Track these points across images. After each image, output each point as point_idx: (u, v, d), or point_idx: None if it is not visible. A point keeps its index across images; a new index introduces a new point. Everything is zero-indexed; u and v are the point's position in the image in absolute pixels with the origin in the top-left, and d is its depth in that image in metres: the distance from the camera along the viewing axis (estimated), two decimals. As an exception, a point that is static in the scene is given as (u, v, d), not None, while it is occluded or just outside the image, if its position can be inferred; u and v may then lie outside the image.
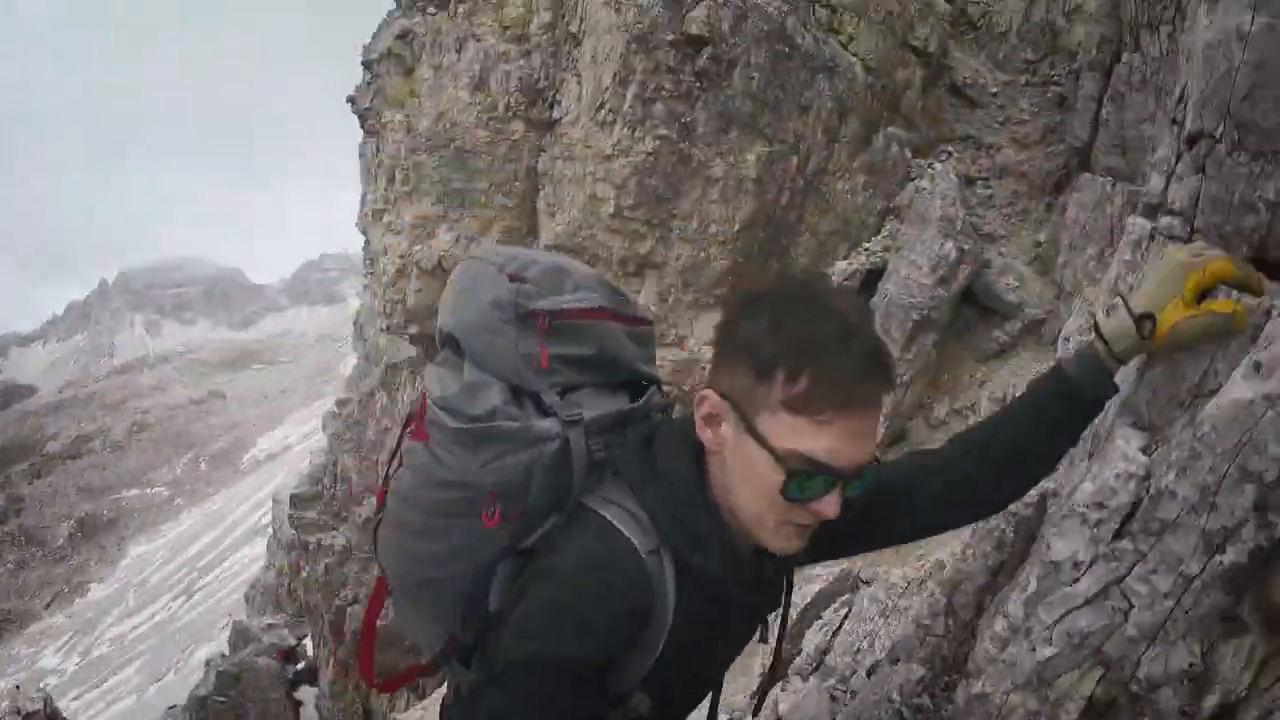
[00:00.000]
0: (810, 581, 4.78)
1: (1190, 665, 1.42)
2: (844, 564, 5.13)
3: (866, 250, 11.50)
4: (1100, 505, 1.45)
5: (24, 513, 70.29)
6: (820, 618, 4.25)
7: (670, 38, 10.48)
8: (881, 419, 1.47)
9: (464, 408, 1.52)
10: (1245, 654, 1.40)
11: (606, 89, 10.80)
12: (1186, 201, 1.59)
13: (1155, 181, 1.73)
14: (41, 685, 48.56)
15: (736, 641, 1.71)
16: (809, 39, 11.01)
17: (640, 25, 10.47)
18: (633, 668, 1.45)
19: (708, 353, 8.07)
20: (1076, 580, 1.51)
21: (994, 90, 13.46)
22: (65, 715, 42.75)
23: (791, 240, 11.38)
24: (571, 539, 1.45)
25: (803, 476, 1.33)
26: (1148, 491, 1.43)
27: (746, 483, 1.39)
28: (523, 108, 11.74)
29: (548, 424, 1.49)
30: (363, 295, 25.34)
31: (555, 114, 11.63)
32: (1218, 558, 1.32)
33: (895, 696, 2.20)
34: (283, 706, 19.34)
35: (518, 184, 11.95)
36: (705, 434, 1.43)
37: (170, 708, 20.94)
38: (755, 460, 1.36)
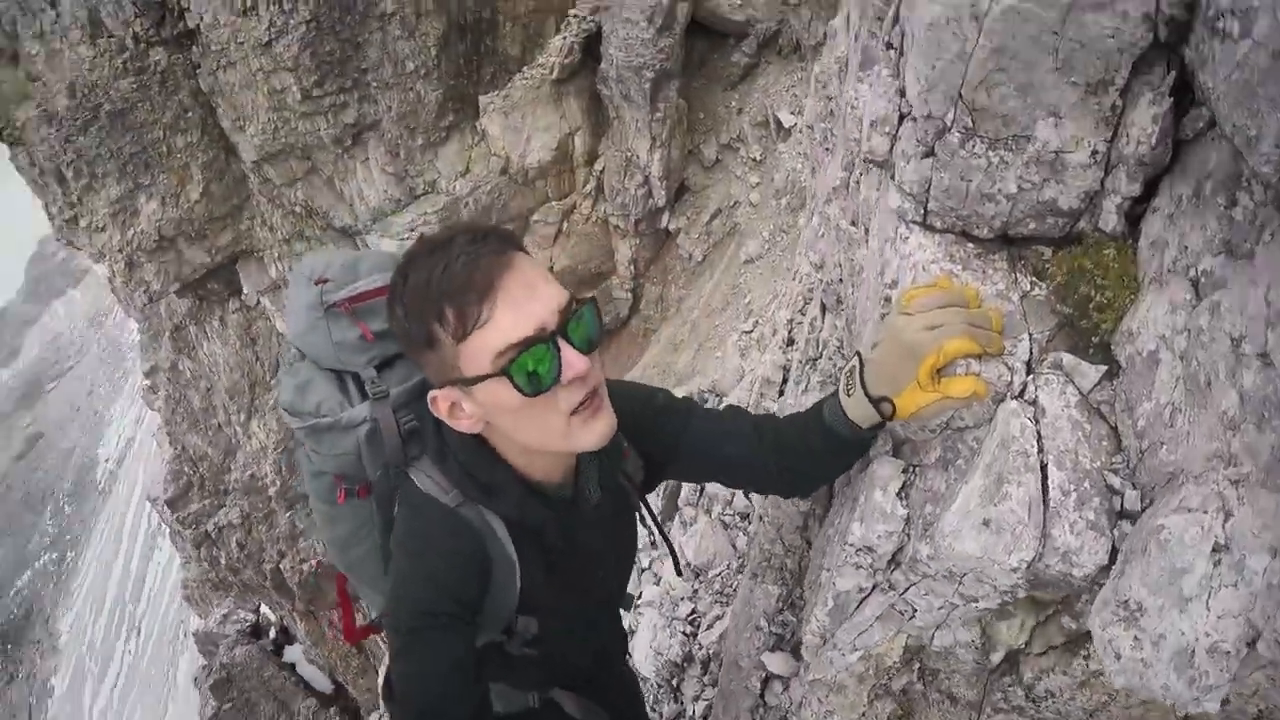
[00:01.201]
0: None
1: (971, 641, 1.52)
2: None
3: (575, 18, 10.98)
4: (869, 549, 1.48)
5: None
6: None
7: None
8: (531, 266, 1.38)
9: (299, 407, 1.70)
10: (1018, 628, 1.49)
11: None
12: (918, 186, 1.49)
13: (877, 141, 1.59)
14: None
15: (608, 559, 1.80)
16: None
17: None
18: (502, 600, 1.57)
19: (463, 187, 7.95)
20: (862, 605, 1.57)
21: None
22: None
23: (495, 37, 10.78)
24: (400, 509, 1.62)
25: (518, 367, 1.34)
26: (908, 536, 1.45)
27: (511, 420, 1.44)
28: (152, 32, 10.37)
29: (359, 409, 1.63)
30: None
31: (189, 22, 10.32)
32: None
33: (762, 623, 2.37)
34: (281, 678, 19.62)
35: (190, 114, 10.79)
36: (461, 424, 1.47)
37: None
38: (495, 397, 1.39)
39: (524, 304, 1.34)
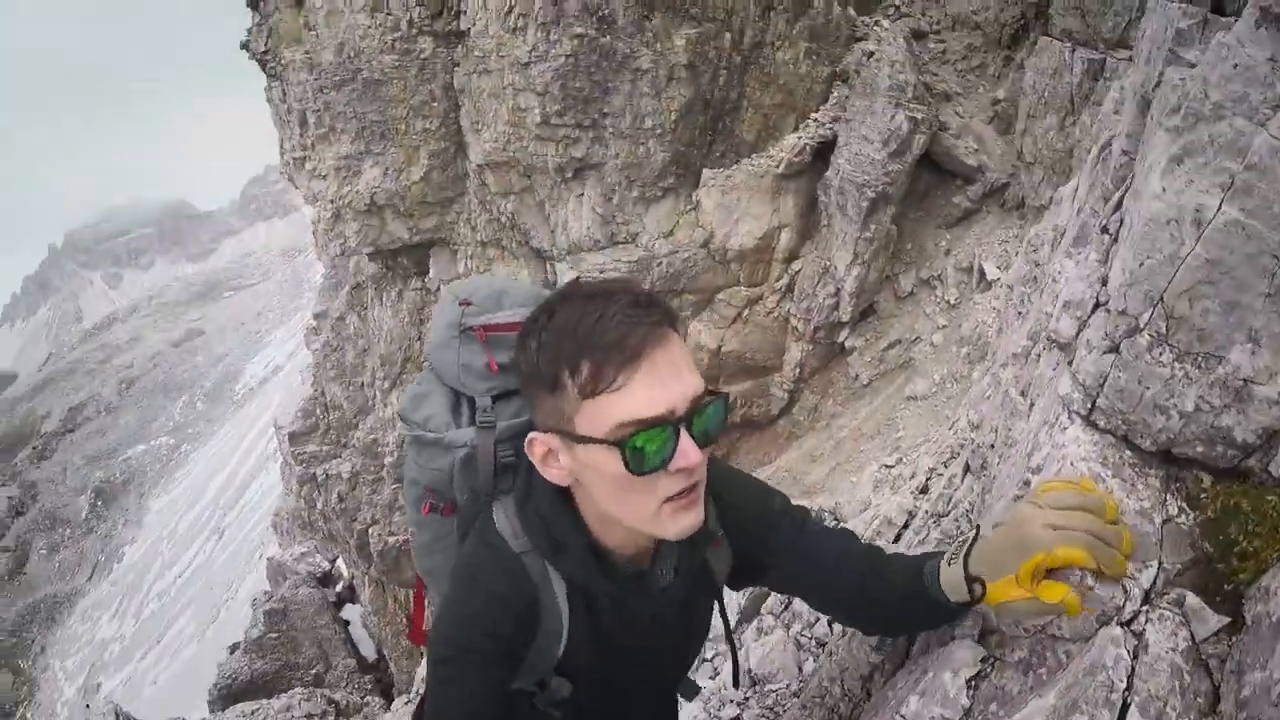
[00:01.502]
0: None
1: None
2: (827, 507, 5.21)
3: (815, 121, 11.04)
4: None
5: (40, 497, 70.91)
6: None
7: None
8: (686, 352, 1.38)
9: (409, 414, 1.83)
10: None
11: None
12: (1092, 379, 1.42)
13: (1066, 323, 1.53)
14: (104, 655, 50.60)
15: (665, 643, 1.78)
16: None
17: None
18: (545, 654, 1.56)
19: (662, 247, 7.99)
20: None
21: None
22: (135, 678, 44.86)
23: (735, 119, 10.86)
24: (470, 538, 1.67)
25: (633, 443, 1.33)
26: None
27: (604, 488, 1.42)
28: (427, 22, 10.96)
29: (463, 433, 1.72)
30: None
31: (463, 24, 10.84)
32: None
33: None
34: (332, 629, 20.02)
35: (436, 104, 11.31)
36: (551, 473, 1.48)
37: (231, 648, 21.74)
38: (596, 462, 1.38)
39: (664, 383, 1.33)
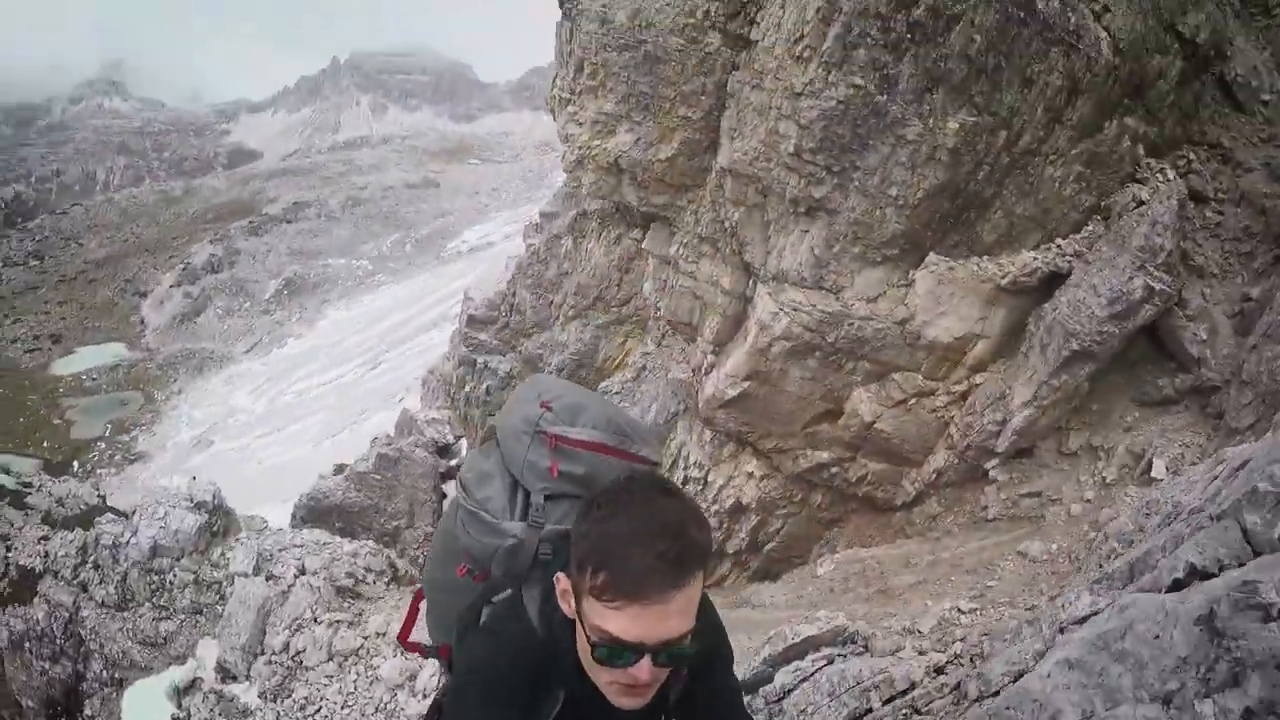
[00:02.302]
0: (808, 623, 5.08)
1: None
2: (839, 618, 5.33)
3: (1058, 249, 10.59)
4: None
5: (237, 265, 76.66)
6: (801, 659, 4.56)
7: None
8: (693, 597, 1.66)
9: (471, 490, 2.10)
10: None
11: (809, 22, 9.92)
12: None
13: None
14: (229, 419, 54.75)
15: None
16: (1053, 4, 9.64)
17: None
18: (541, 716, 1.86)
19: (860, 309, 8.03)
20: None
21: (1267, 98, 11.46)
22: (244, 451, 48.27)
23: (981, 216, 10.51)
24: (498, 607, 2.00)
25: (603, 647, 1.66)
26: None
27: (582, 648, 1.75)
28: (722, 20, 11.12)
29: (514, 526, 2.00)
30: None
31: (754, 34, 10.93)
32: None
33: None
34: (429, 496, 20.90)
35: (704, 98, 11.56)
36: (564, 606, 1.80)
37: (337, 466, 23.04)
38: (582, 631, 1.72)
39: (648, 625, 1.61)
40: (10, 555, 7.53)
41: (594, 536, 1.66)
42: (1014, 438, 10.53)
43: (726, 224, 11.91)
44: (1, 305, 76.08)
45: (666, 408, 15.21)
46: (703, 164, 12.20)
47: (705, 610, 1.96)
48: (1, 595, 7.28)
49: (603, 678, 1.73)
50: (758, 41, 10.84)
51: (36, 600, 7.48)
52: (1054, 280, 10.52)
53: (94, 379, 64.63)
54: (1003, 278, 10.53)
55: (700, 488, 13.58)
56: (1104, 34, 9.94)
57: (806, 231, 10.95)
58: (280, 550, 10.85)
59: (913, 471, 11.63)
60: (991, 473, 10.91)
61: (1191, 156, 11.08)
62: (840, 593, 10.22)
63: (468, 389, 22.86)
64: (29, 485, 8.57)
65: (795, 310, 11.06)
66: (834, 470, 12.15)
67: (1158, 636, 1.92)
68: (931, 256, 10.65)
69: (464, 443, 22.65)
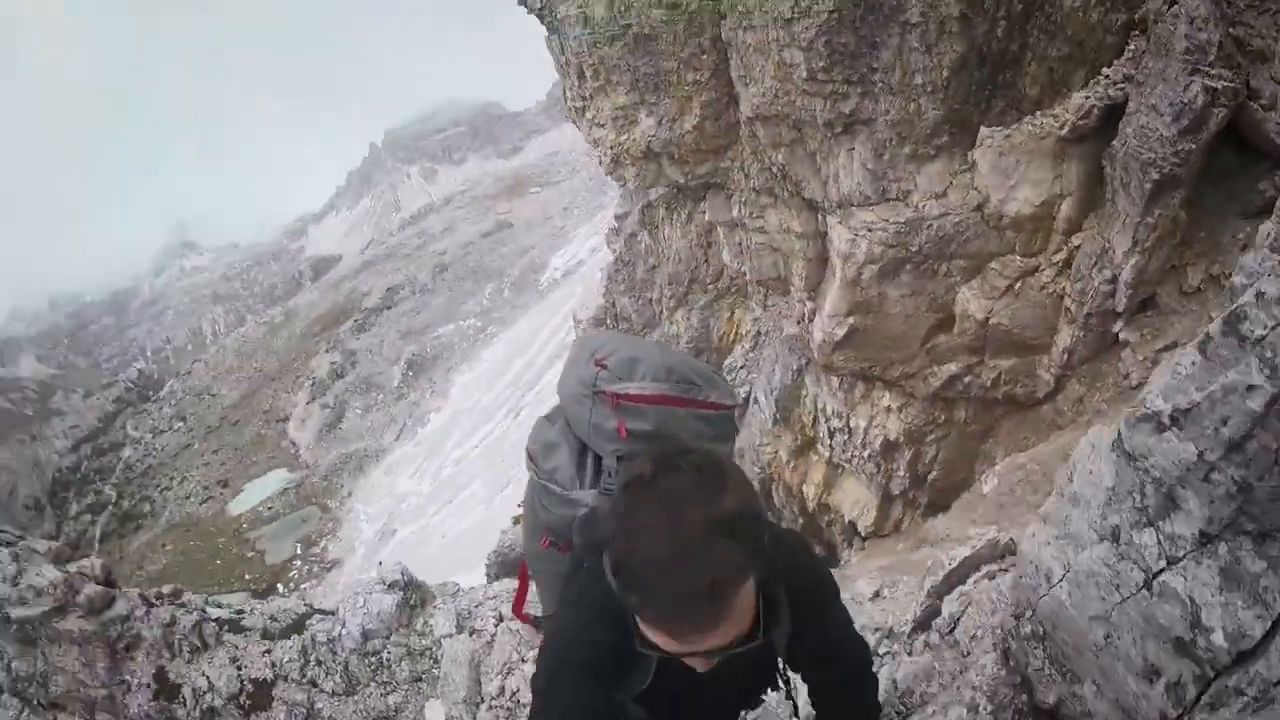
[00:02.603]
0: (961, 544, 4.78)
1: None
2: (993, 531, 4.95)
3: (1106, 79, 9.62)
4: None
5: (359, 364, 79.74)
6: (964, 584, 4.26)
7: None
8: (742, 606, 1.51)
9: (540, 462, 2.04)
10: None
11: None
12: None
13: None
14: (402, 506, 57.03)
15: (723, 695, 2.08)
16: None
17: None
18: (628, 684, 1.80)
19: (933, 208, 7.55)
20: None
21: None
22: (425, 530, 50.21)
23: (1017, 73, 9.74)
24: (584, 572, 1.87)
25: (652, 653, 1.57)
26: None
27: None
28: None
29: (585, 494, 1.95)
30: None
31: (727, -23, 10.63)
32: None
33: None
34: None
35: (705, 56, 11.30)
36: None
37: (515, 518, 23.59)
38: None
39: (691, 643, 1.51)
40: (242, 673, 8.37)
41: (621, 550, 1.51)
42: (1129, 291, 9.62)
43: (774, 169, 11.61)
44: (166, 470, 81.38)
45: (789, 365, 14.90)
46: (729, 120, 11.96)
47: (793, 554, 1.96)
48: (244, 708, 8.07)
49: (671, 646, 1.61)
50: (733, -17, 10.52)
51: (275, 704, 8.25)
52: (1114, 114, 9.54)
53: (269, 508, 68.34)
54: (1061, 128, 9.72)
55: (846, 435, 13.22)
56: None
57: (852, 149, 10.53)
58: (476, 606, 11.27)
59: (1043, 357, 10.90)
60: (1121, 335, 10.02)
61: None
62: (1010, 505, 9.64)
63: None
64: (242, 612, 9.35)
65: (869, 230, 10.60)
66: (966, 380, 11.56)
67: (1091, 472, 1.75)
68: (983, 131, 10.01)
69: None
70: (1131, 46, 9.54)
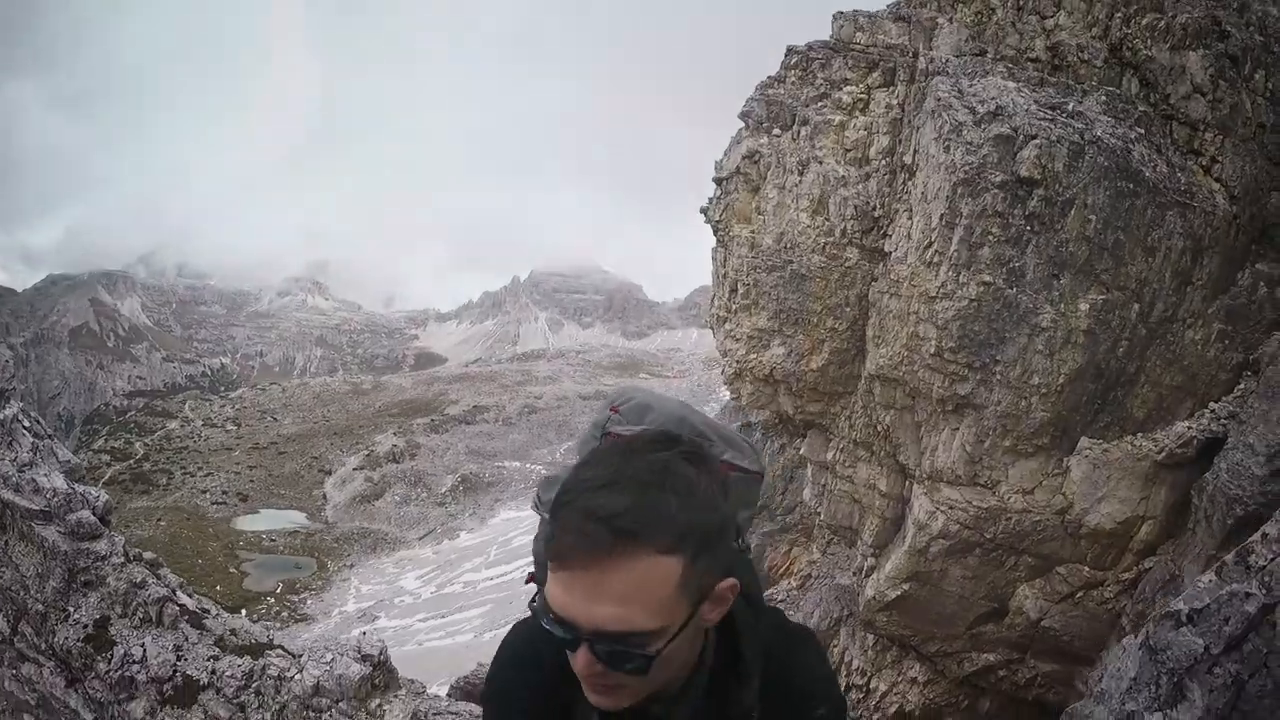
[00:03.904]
0: None
1: None
2: None
3: (1211, 413, 10.22)
4: None
5: (418, 458, 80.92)
6: None
7: (999, 179, 9.92)
8: (641, 582, 1.35)
9: (541, 495, 2.05)
10: None
11: (934, 229, 10.52)
12: None
13: None
14: (395, 599, 56.33)
15: None
16: (1160, 167, 9.84)
17: (968, 166, 9.98)
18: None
19: (1017, 502, 8.15)
20: None
21: None
22: (406, 631, 49.19)
23: (1128, 392, 10.38)
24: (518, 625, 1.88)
25: (541, 616, 1.44)
26: None
27: None
28: (858, 235, 12.00)
29: None
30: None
31: (887, 246, 11.66)
32: None
33: None
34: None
35: (848, 309, 12.26)
36: None
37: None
38: None
39: (576, 599, 1.37)
40: (179, 664, 8.41)
41: (561, 486, 1.45)
42: None
43: (879, 427, 12.22)
44: (198, 459, 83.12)
45: (830, 613, 15.17)
46: (852, 371, 12.72)
47: (790, 639, 1.83)
48: (164, 695, 8.12)
49: (572, 663, 1.47)
50: (891, 253, 11.52)
51: (195, 709, 8.19)
52: (1212, 447, 10.02)
53: (273, 540, 68.63)
54: (1159, 453, 10.22)
55: (862, 695, 13.30)
56: (1216, 185, 10.03)
57: (956, 429, 11.10)
58: (435, 714, 11.16)
59: (1085, 670, 11.07)
60: None
61: None
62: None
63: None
64: (208, 611, 9.48)
65: (951, 508, 11.08)
66: (1001, 673, 11.76)
67: (1119, 669, 2.14)
68: (1083, 441, 10.52)
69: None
70: (1241, 385, 10.15)
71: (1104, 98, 10.42)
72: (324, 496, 78.17)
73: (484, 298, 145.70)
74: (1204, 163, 10.13)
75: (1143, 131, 10.12)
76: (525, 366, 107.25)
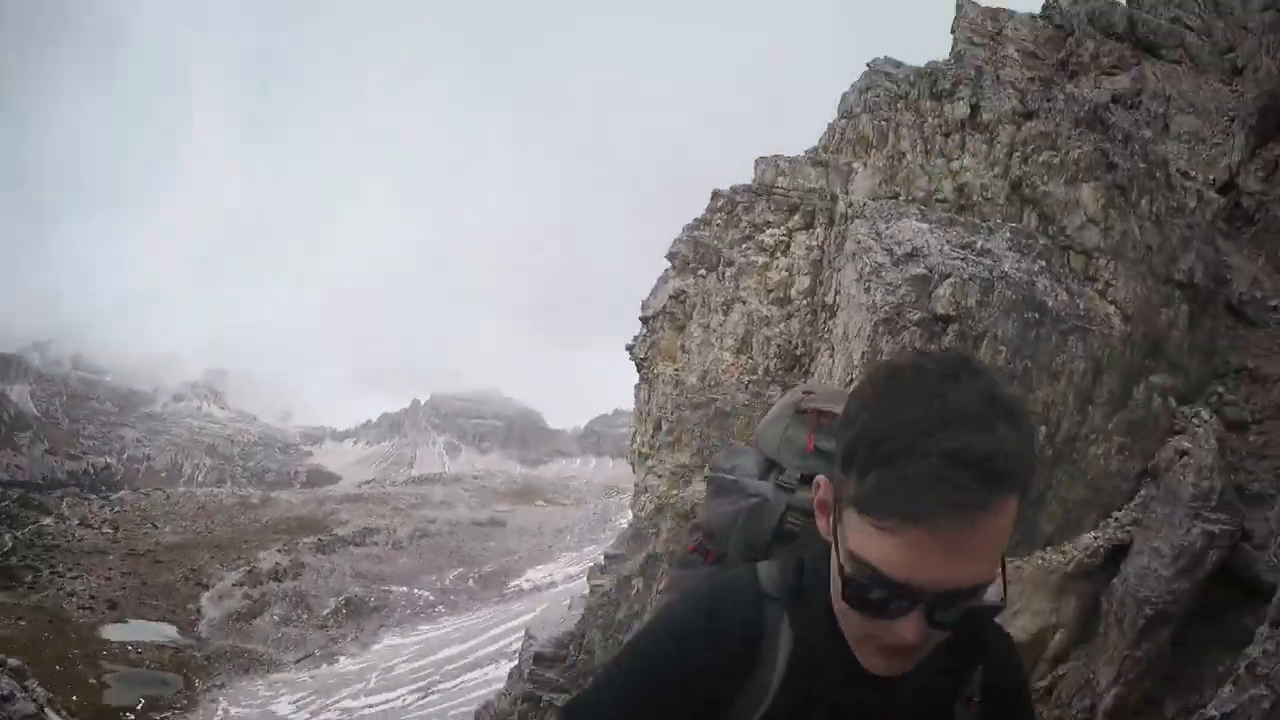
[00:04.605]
0: None
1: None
2: None
3: (1116, 521, 10.69)
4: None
5: (302, 577, 78.31)
6: None
7: (917, 316, 10.22)
8: (1000, 531, 1.16)
9: (720, 463, 1.91)
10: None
11: (855, 366, 10.63)
12: None
13: None
14: None
15: None
16: (1060, 296, 10.55)
17: (888, 305, 10.21)
18: (739, 708, 1.41)
19: None
20: None
21: (1274, 303, 11.65)
22: None
23: (1038, 512, 10.64)
24: (720, 572, 1.67)
25: (860, 584, 1.21)
26: None
27: (834, 583, 1.30)
28: (780, 373, 12.56)
29: (759, 484, 1.73)
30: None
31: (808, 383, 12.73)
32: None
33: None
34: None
35: (768, 452, 13.37)
36: (820, 523, 1.37)
37: None
38: (836, 559, 1.28)
39: (926, 561, 1.14)
40: None
41: (865, 421, 1.20)
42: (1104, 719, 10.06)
43: (806, 553, 13.25)
44: (69, 559, 78.64)
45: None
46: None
47: (1009, 656, 1.61)
48: None
49: (855, 628, 1.30)
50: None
51: None
52: (1118, 553, 10.44)
53: (139, 652, 64.82)
54: (1068, 565, 10.55)
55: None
56: (1111, 308, 10.83)
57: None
58: None
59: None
60: None
61: (1220, 390, 11.34)
62: None
63: (533, 726, 22.99)
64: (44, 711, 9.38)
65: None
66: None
67: None
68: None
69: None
70: (1143, 492, 10.64)
71: (1008, 234, 11.39)
72: (199, 611, 74.74)
73: (383, 418, 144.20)
74: (1099, 287, 10.98)
75: (1044, 263, 10.94)
76: (420, 490, 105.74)
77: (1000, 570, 1.24)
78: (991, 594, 1.25)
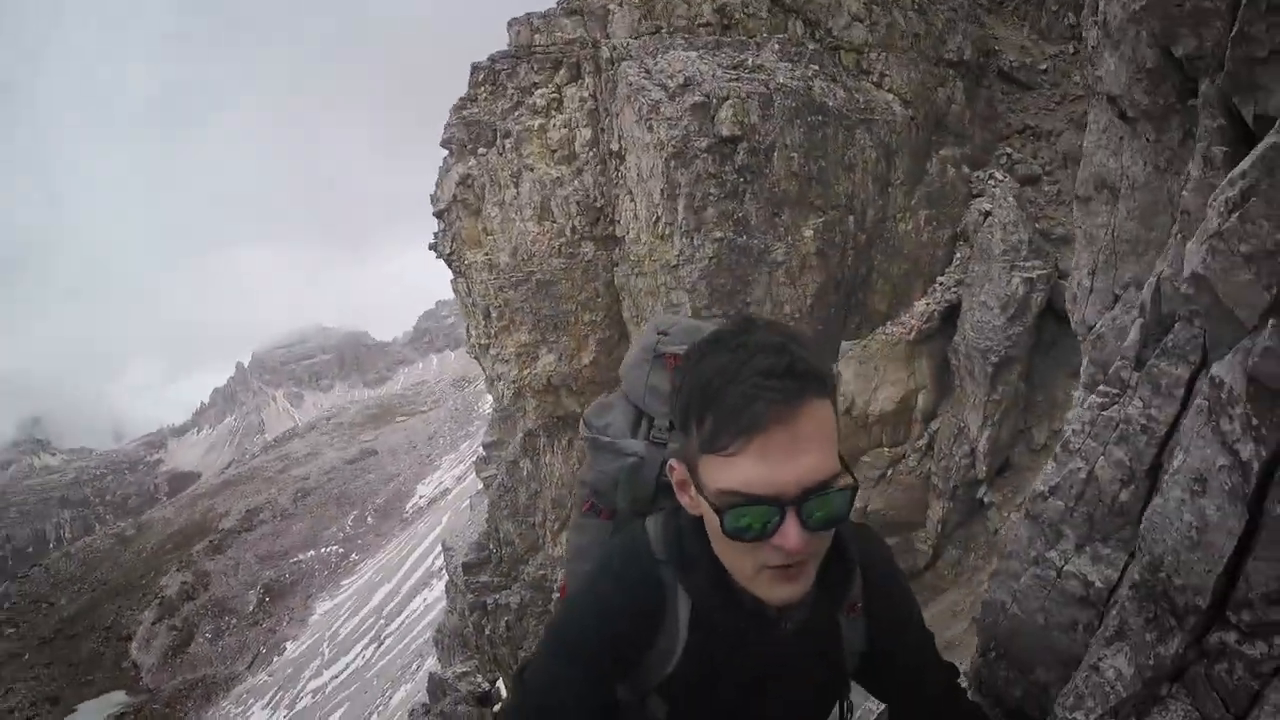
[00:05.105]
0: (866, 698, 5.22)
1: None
2: None
3: (941, 285, 11.69)
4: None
5: (211, 586, 75.53)
6: None
7: (705, 143, 10.71)
8: (823, 424, 1.33)
9: (591, 420, 1.95)
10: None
11: (658, 204, 11.18)
12: None
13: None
14: None
15: (781, 690, 1.67)
16: (839, 95, 11.00)
17: (674, 139, 10.72)
18: (650, 668, 1.57)
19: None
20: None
21: (1043, 66, 12.72)
22: None
23: (866, 293, 11.62)
24: (616, 537, 1.77)
25: (734, 511, 1.32)
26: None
27: (713, 535, 1.42)
28: (587, 229, 12.51)
29: (634, 443, 1.84)
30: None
31: (618, 231, 12.23)
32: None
33: None
34: (489, 750, 20.49)
35: (600, 299, 12.79)
36: (684, 501, 1.48)
37: None
38: (706, 512, 1.39)
39: (775, 464, 1.29)
40: None
41: (690, 384, 1.37)
42: (987, 460, 11.02)
43: (664, 398, 12.82)
44: None
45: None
46: (621, 355, 13.11)
47: (868, 535, 1.77)
48: None
49: (747, 566, 1.41)
50: (624, 237, 12.16)
51: None
52: (952, 313, 11.44)
53: None
54: (909, 334, 11.52)
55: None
56: (890, 96, 11.37)
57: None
58: None
59: (920, 533, 12.09)
60: (985, 499, 11.40)
61: (1009, 151, 12.21)
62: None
63: (487, 631, 22.87)
64: None
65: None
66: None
67: (1016, 535, 2.42)
68: (844, 345, 11.67)
69: (502, 685, 22.45)
70: (958, 255, 11.61)
71: (777, 45, 11.44)
72: (134, 665, 71.23)
73: (214, 395, 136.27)
74: (875, 79, 11.45)
75: (817, 67, 11.21)
76: (282, 451, 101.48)
77: (841, 463, 1.36)
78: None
